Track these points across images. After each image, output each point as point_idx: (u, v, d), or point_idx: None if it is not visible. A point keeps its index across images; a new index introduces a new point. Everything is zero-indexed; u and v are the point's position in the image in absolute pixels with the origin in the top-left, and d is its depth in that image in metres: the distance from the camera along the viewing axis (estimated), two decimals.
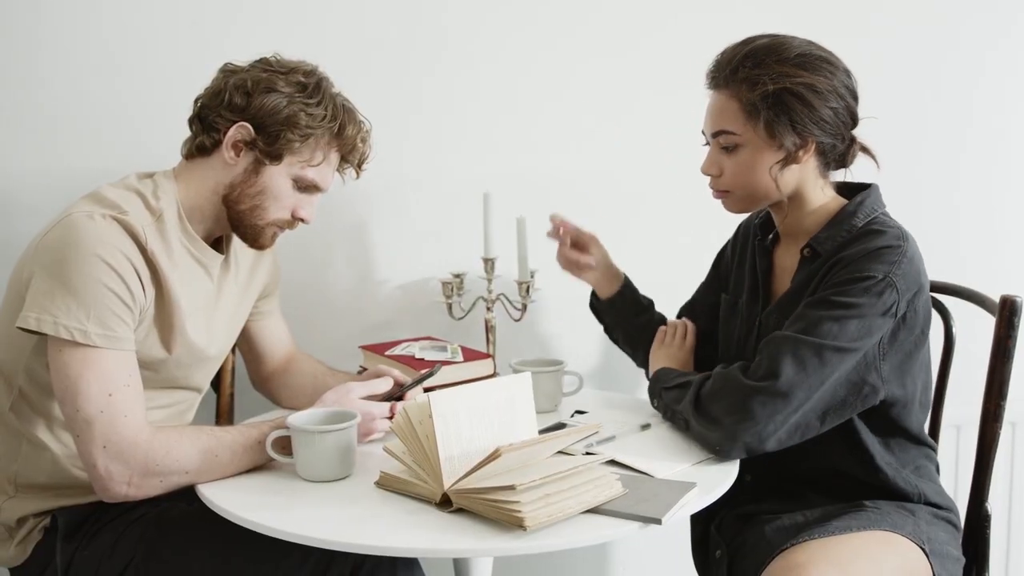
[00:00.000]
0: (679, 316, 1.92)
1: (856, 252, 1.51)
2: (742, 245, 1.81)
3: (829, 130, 1.54)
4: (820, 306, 1.50)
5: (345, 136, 1.58)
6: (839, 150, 1.59)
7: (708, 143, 1.63)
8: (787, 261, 1.68)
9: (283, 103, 1.52)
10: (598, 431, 1.56)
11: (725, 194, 1.63)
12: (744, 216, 1.83)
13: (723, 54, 1.58)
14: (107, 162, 1.83)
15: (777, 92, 1.51)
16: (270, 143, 1.53)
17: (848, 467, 1.59)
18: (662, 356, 1.80)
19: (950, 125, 2.26)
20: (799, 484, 1.61)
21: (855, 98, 1.58)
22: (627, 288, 1.89)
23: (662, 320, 1.90)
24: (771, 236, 1.72)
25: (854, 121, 1.59)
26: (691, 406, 1.54)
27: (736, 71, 1.54)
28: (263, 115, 1.52)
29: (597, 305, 1.94)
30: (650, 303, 1.92)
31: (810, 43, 1.57)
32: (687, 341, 1.83)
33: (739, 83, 1.54)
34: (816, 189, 1.61)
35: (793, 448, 1.51)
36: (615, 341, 1.95)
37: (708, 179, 1.64)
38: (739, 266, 1.80)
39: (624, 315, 1.89)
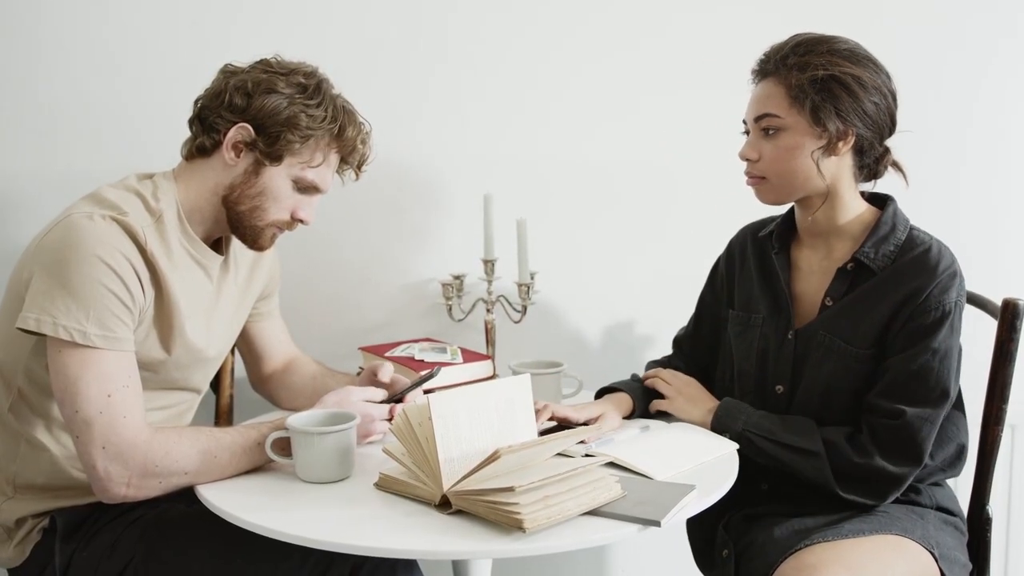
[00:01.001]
0: (676, 345, 1.90)
1: (923, 280, 1.55)
2: (740, 259, 1.79)
3: (870, 125, 1.57)
4: (919, 356, 1.53)
5: (345, 137, 1.58)
6: (875, 153, 1.61)
7: (746, 132, 1.64)
8: (811, 264, 1.68)
9: (283, 104, 1.52)
10: (598, 433, 1.56)
11: (761, 181, 1.62)
12: (734, 234, 1.83)
13: (771, 48, 1.62)
14: (107, 163, 1.83)
15: (825, 78, 1.54)
16: (270, 144, 1.53)
17: None
18: (685, 406, 1.73)
19: (951, 127, 2.25)
20: (812, 490, 1.60)
21: (895, 101, 1.61)
22: (639, 398, 1.77)
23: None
24: (782, 241, 1.72)
25: (893, 124, 1.62)
26: (831, 480, 1.54)
27: (786, 58, 1.57)
28: (263, 116, 1.52)
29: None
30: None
31: (857, 43, 1.61)
32: (680, 378, 1.77)
33: (788, 69, 1.57)
34: (850, 190, 1.63)
35: None
36: None
37: (744, 166, 1.64)
38: (744, 280, 1.77)
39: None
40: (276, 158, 1.54)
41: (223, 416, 1.91)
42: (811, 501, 1.59)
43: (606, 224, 2.19)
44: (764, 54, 1.63)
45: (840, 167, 1.60)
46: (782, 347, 1.66)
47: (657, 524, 1.27)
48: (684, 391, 1.74)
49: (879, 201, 1.67)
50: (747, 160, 1.63)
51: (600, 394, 1.78)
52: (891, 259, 1.59)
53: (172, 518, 1.52)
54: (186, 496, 1.46)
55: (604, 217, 2.19)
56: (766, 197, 1.64)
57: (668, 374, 1.78)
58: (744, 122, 1.65)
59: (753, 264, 1.76)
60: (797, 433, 1.57)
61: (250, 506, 1.36)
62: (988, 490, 1.67)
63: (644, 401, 1.76)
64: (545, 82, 2.14)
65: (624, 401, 1.74)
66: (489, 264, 2.05)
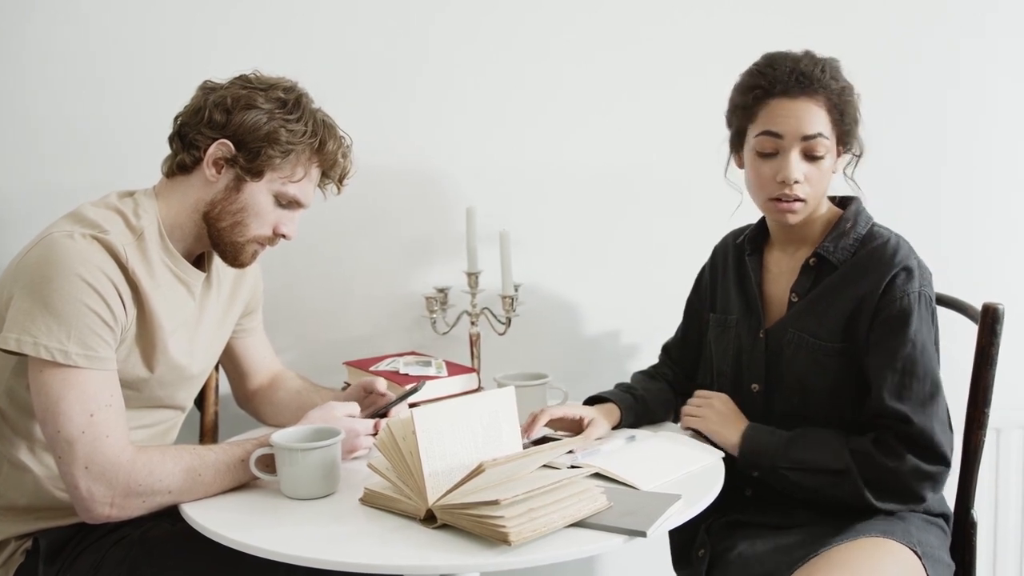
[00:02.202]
0: (664, 352, 1.93)
1: (881, 271, 1.58)
2: (723, 264, 1.83)
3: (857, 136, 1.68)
4: (899, 350, 1.55)
5: (326, 151, 1.58)
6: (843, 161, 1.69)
7: (771, 152, 1.61)
8: (780, 265, 1.72)
9: (263, 119, 1.52)
10: (583, 444, 1.56)
11: (800, 204, 1.62)
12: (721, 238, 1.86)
13: (794, 61, 1.61)
14: (88, 180, 1.83)
15: (854, 101, 1.63)
16: (251, 160, 1.52)
17: None
18: (719, 429, 1.68)
19: (930, 131, 2.27)
20: (795, 501, 1.60)
21: None
22: (626, 408, 1.76)
23: (668, 384, 1.86)
24: (754, 244, 1.76)
25: None
26: (865, 494, 1.52)
27: (819, 78, 1.59)
28: (243, 132, 1.52)
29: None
30: (644, 390, 1.83)
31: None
32: (713, 396, 1.74)
33: (826, 88, 1.59)
34: (825, 197, 1.69)
35: None
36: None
37: (776, 186, 1.61)
38: (724, 285, 1.80)
39: (644, 416, 1.80)
40: (257, 174, 1.54)
41: (208, 434, 1.90)
42: (795, 511, 1.59)
43: (590, 235, 2.20)
44: (794, 68, 1.60)
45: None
46: (754, 347, 1.69)
47: (643, 535, 1.27)
48: (716, 407, 1.70)
49: (844, 203, 1.72)
50: (795, 182, 1.60)
51: (588, 404, 1.78)
52: (851, 252, 1.63)
53: (156, 537, 1.51)
54: (170, 515, 1.45)
55: (587, 228, 2.19)
56: (798, 218, 1.64)
57: (703, 393, 1.75)
58: (772, 134, 1.60)
59: (732, 269, 1.80)
60: (825, 452, 1.56)
61: (235, 524, 1.35)
62: (972, 494, 1.68)
63: (632, 412, 1.76)
64: (527, 94, 2.14)
65: (612, 412, 1.74)
66: (473, 277, 2.05)
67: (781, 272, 1.72)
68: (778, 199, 1.62)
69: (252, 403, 1.86)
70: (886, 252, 1.60)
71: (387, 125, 2.08)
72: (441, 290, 2.09)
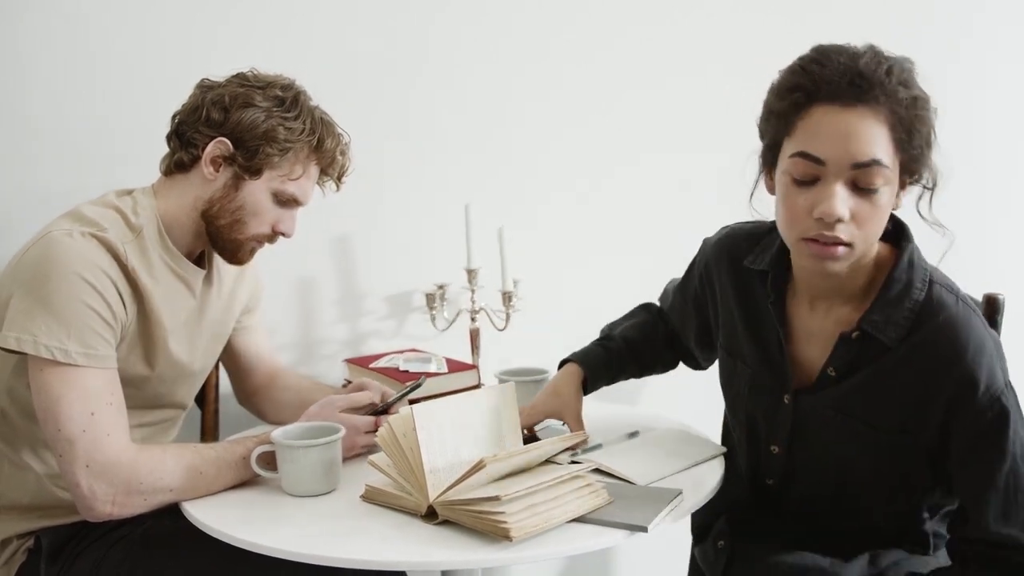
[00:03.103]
0: (663, 301, 1.75)
1: (954, 371, 1.26)
2: (718, 283, 1.54)
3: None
4: (999, 466, 1.27)
5: (324, 149, 1.58)
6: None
7: (810, 180, 1.25)
8: (810, 327, 1.40)
9: (261, 117, 1.52)
10: (584, 439, 1.56)
11: (843, 249, 1.25)
12: (719, 245, 1.56)
13: (851, 57, 1.23)
14: (86, 179, 1.83)
15: (928, 117, 1.25)
16: (249, 158, 1.52)
17: (889, 523, 1.44)
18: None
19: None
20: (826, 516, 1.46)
21: None
22: (594, 378, 1.67)
23: (632, 342, 1.72)
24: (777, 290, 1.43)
25: None
26: None
27: (883, 83, 1.22)
28: (241, 130, 1.52)
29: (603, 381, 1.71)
30: (619, 354, 1.70)
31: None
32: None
33: (890, 99, 1.22)
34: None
35: (841, 507, 1.43)
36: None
37: (812, 224, 1.25)
38: (727, 313, 1.52)
39: (624, 367, 1.71)
40: (255, 172, 1.54)
41: (208, 431, 1.90)
42: (821, 525, 1.45)
43: (588, 230, 2.20)
44: (850, 66, 1.22)
45: None
46: (777, 411, 1.43)
47: (644, 530, 1.27)
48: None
49: (892, 238, 1.36)
50: (838, 221, 1.23)
51: (561, 364, 1.71)
52: (905, 330, 1.30)
53: (158, 535, 1.51)
54: (172, 513, 1.45)
55: (586, 223, 2.20)
56: (837, 267, 1.27)
57: None
58: (808, 156, 1.24)
59: (733, 299, 1.49)
60: None
61: (236, 521, 1.35)
62: None
63: (605, 370, 1.67)
64: (524, 91, 2.14)
65: (573, 376, 1.64)
66: (472, 273, 2.05)
67: (811, 334, 1.40)
68: (814, 239, 1.25)
69: (252, 401, 1.86)
70: (956, 341, 1.26)
71: (386, 123, 2.08)
72: (440, 286, 2.09)
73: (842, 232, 1.24)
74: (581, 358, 1.69)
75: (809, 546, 1.41)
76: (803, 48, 1.30)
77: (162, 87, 1.81)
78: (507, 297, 2.06)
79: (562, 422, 1.64)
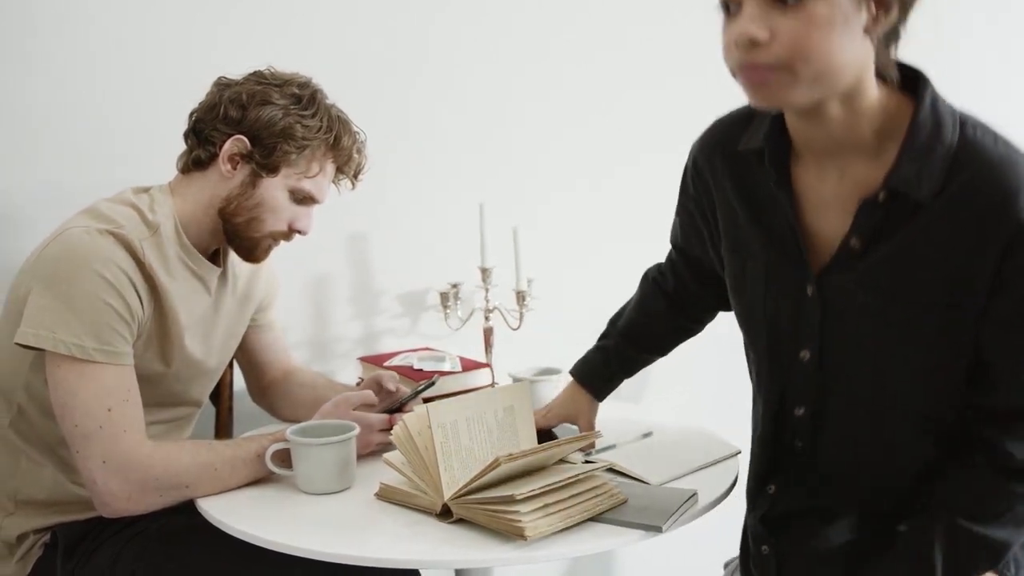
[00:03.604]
0: (672, 236, 1.57)
1: (1003, 217, 1.08)
2: (714, 181, 1.33)
3: None
4: None
5: (341, 147, 1.59)
6: (901, 30, 1.11)
7: (727, 7, 1.10)
8: (821, 193, 1.20)
9: (279, 115, 1.52)
10: (598, 439, 1.56)
11: (772, 75, 1.06)
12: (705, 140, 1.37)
13: None
14: (102, 177, 1.83)
15: None
16: (266, 155, 1.53)
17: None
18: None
19: None
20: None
21: None
22: (597, 387, 1.63)
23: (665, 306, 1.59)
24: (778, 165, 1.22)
25: None
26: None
27: None
28: (259, 128, 1.52)
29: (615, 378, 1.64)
30: (617, 350, 1.63)
31: None
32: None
33: None
34: (872, 80, 1.12)
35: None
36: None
37: (735, 54, 1.08)
38: (727, 211, 1.31)
39: (626, 367, 1.64)
40: (272, 169, 1.54)
41: (223, 428, 1.91)
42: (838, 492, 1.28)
43: (603, 230, 2.20)
44: None
45: (868, 50, 1.09)
46: (801, 306, 1.21)
47: (658, 530, 1.27)
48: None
49: (906, 84, 1.14)
50: (750, 42, 1.05)
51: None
52: (940, 183, 1.10)
53: (173, 531, 1.51)
54: (187, 509, 1.46)
55: (601, 223, 2.19)
56: (767, 99, 1.10)
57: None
58: None
59: (732, 192, 1.29)
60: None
61: (251, 518, 1.36)
62: None
63: (605, 371, 1.61)
64: (537, 88, 2.14)
65: (580, 387, 1.62)
66: (486, 272, 2.05)
67: (825, 204, 1.19)
68: (741, 71, 1.09)
69: (266, 398, 1.86)
70: (1003, 182, 1.08)
71: (400, 121, 2.08)
72: (454, 285, 2.09)
73: (762, 55, 1.05)
74: (578, 371, 1.65)
75: (853, 529, 1.26)
76: None
77: (169, 86, 1.82)
78: (521, 296, 2.06)
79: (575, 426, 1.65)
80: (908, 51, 1.13)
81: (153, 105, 1.89)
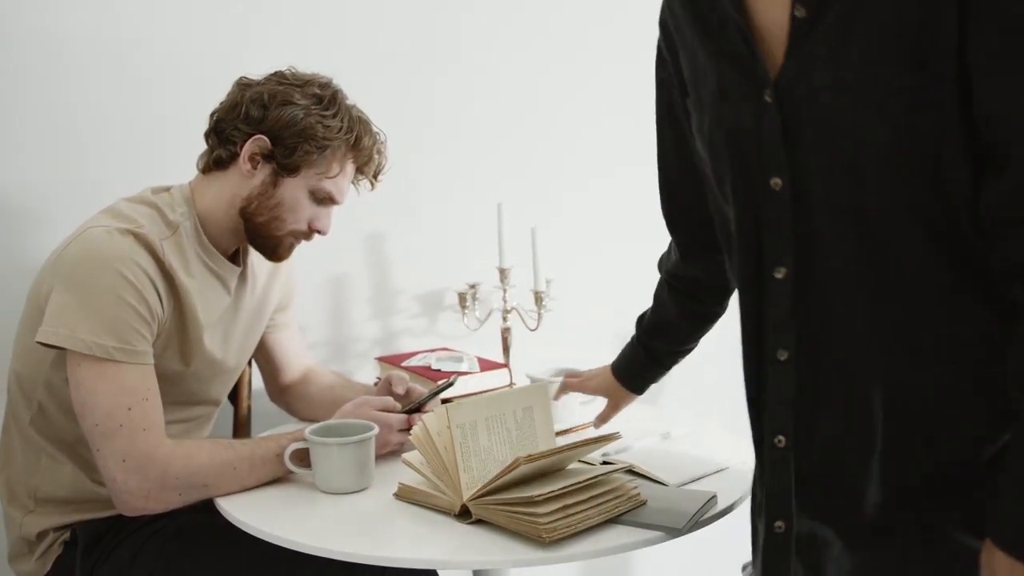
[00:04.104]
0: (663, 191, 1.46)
1: None
2: (678, 34, 1.17)
3: None
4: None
5: (361, 147, 1.59)
6: None
7: None
8: None
9: (300, 115, 1.53)
10: (618, 440, 1.56)
11: None
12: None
13: None
14: (122, 176, 1.84)
15: None
16: (287, 155, 1.53)
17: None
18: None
19: None
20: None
21: None
22: (633, 382, 1.62)
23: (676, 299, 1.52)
24: None
25: None
26: None
27: None
28: (280, 128, 1.52)
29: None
30: (646, 352, 1.59)
31: None
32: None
33: None
34: None
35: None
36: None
37: None
38: (691, 58, 1.14)
39: (656, 363, 1.59)
40: (293, 169, 1.54)
41: (241, 428, 1.92)
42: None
43: (621, 229, 2.19)
44: None
45: None
46: (761, 121, 1.02)
47: (678, 532, 1.26)
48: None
49: None
50: None
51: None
52: None
53: (192, 530, 1.52)
54: (206, 508, 1.47)
55: (619, 222, 2.19)
56: None
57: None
58: None
59: (691, 29, 1.13)
60: None
61: (270, 517, 1.36)
62: None
63: (638, 367, 1.59)
64: (557, 90, 2.14)
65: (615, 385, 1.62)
66: (504, 272, 2.05)
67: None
68: None
69: (285, 398, 1.87)
70: None
71: (418, 121, 2.08)
72: (472, 286, 2.09)
73: None
74: (614, 363, 1.66)
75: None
76: None
77: (191, 86, 1.83)
78: (539, 297, 2.05)
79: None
80: None
81: (174, 105, 1.90)
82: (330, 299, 2.10)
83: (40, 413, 1.53)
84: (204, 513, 1.50)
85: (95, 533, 1.53)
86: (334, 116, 1.55)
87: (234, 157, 1.55)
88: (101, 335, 1.39)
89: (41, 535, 1.54)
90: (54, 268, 1.46)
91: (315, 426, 1.47)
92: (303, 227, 1.59)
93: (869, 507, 1.03)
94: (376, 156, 1.63)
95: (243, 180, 1.56)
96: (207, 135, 1.60)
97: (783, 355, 1.05)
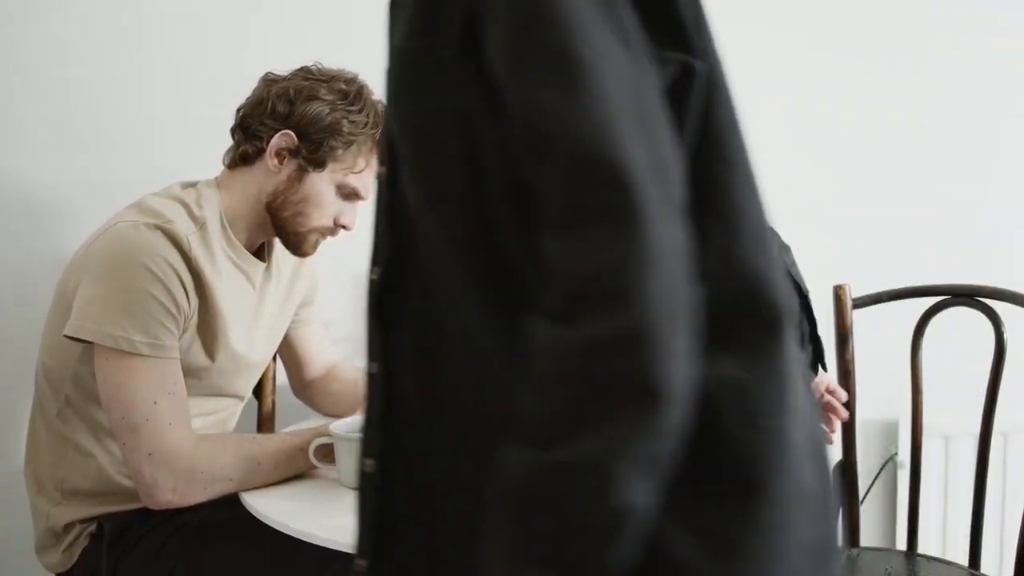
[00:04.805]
0: None
1: None
2: None
3: None
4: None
5: None
6: None
7: None
8: None
9: (326, 111, 1.53)
10: None
11: None
12: None
13: None
14: (150, 172, 1.85)
15: None
16: (313, 150, 1.53)
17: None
18: None
19: (986, 121, 2.21)
20: None
21: None
22: None
23: None
24: None
25: None
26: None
27: None
28: (306, 123, 1.53)
29: None
30: None
31: None
32: None
33: None
34: None
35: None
36: None
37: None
38: None
39: None
40: (319, 164, 1.55)
41: (265, 422, 1.92)
42: None
43: None
44: None
45: None
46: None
47: None
48: None
49: None
50: None
51: None
52: None
53: (216, 524, 1.52)
54: (230, 502, 1.47)
55: None
56: None
57: None
58: None
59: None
60: None
61: (294, 512, 1.36)
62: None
63: None
64: None
65: None
66: None
67: None
68: None
69: (308, 393, 1.87)
70: None
71: None
72: None
73: None
74: None
75: None
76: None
77: (217, 82, 1.83)
78: None
79: None
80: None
81: (200, 101, 1.91)
82: (355, 295, 2.10)
83: (67, 406, 1.54)
84: (228, 507, 1.50)
85: (121, 526, 1.54)
86: (360, 111, 1.55)
87: (260, 152, 1.56)
88: (128, 329, 1.40)
89: (68, 527, 1.55)
90: (82, 263, 1.47)
91: (340, 422, 1.47)
92: (328, 223, 1.60)
93: None
94: None
95: (269, 175, 1.56)
96: (233, 131, 1.60)
97: None
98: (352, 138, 1.54)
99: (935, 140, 2.13)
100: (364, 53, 1.84)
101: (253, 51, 1.92)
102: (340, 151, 1.54)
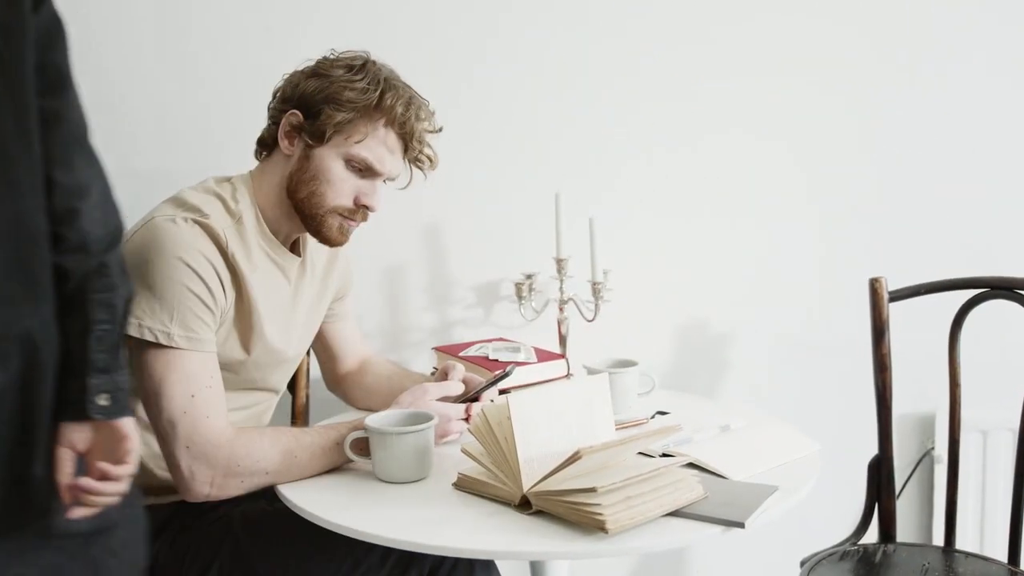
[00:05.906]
0: None
1: None
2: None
3: None
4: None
5: (384, 105, 1.54)
6: None
7: None
8: None
9: (326, 84, 1.53)
10: (678, 432, 1.54)
11: None
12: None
13: None
14: (184, 166, 1.86)
15: None
16: (313, 122, 1.53)
17: None
18: None
19: (1010, 115, 2.18)
20: None
21: None
22: None
23: None
24: None
25: None
26: None
27: None
28: (307, 97, 1.53)
29: None
30: None
31: None
32: None
33: None
34: None
35: None
36: None
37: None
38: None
39: None
40: (319, 135, 1.53)
41: (299, 416, 1.93)
42: None
43: (679, 221, 2.17)
44: None
45: None
46: None
47: (741, 526, 1.24)
48: None
49: None
50: None
51: None
52: None
53: (254, 517, 1.53)
54: (267, 495, 1.48)
55: (677, 214, 2.16)
56: None
57: None
58: None
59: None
60: None
61: (330, 505, 1.37)
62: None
63: None
64: (615, 74, 2.12)
65: None
66: (561, 263, 2.04)
67: None
68: None
69: (342, 387, 1.88)
70: None
71: (476, 110, 2.07)
72: (529, 276, 2.08)
73: None
74: None
75: None
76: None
77: (254, 78, 1.84)
78: (596, 288, 2.04)
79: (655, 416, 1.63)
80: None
81: (242, 96, 1.92)
82: (387, 289, 2.11)
83: None
84: (265, 500, 1.51)
85: (160, 518, 1.55)
86: (361, 79, 1.53)
87: (276, 139, 1.57)
88: (166, 323, 1.41)
89: None
90: None
91: (375, 415, 1.48)
92: (347, 202, 1.57)
93: None
94: (402, 111, 1.55)
95: (285, 160, 1.57)
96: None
97: None
98: (351, 104, 1.52)
99: (975, 132, 2.10)
100: (394, 42, 1.86)
101: (292, 45, 1.93)
102: (339, 119, 1.52)
